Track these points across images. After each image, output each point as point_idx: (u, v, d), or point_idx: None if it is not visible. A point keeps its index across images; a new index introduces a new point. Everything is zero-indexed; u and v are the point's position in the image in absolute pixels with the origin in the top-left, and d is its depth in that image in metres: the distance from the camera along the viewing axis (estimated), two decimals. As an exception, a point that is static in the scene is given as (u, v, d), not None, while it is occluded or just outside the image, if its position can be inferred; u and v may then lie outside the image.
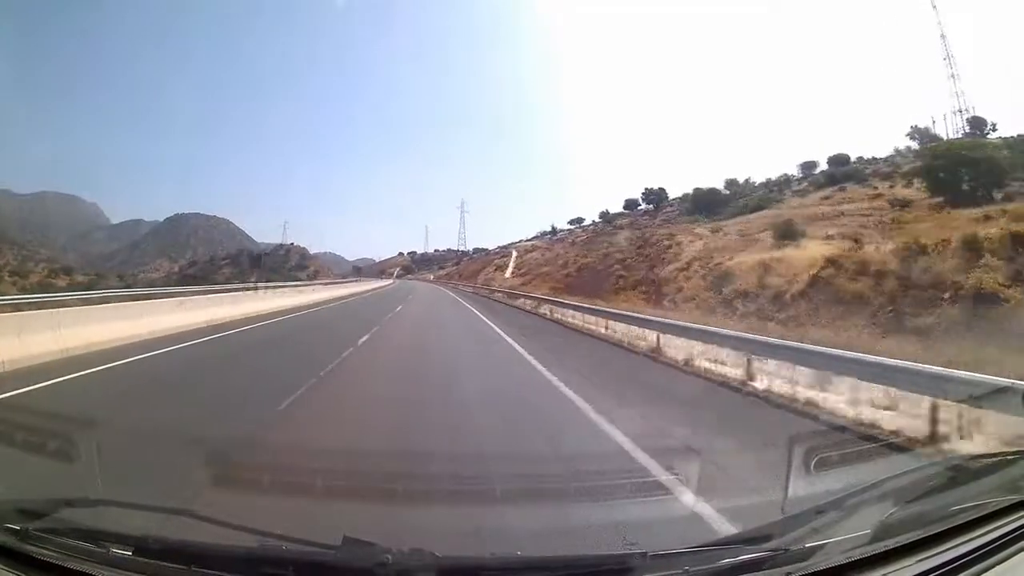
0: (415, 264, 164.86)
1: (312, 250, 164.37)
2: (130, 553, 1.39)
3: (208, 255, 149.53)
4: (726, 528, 2.83)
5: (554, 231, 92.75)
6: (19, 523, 1.46)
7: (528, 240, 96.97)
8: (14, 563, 1.41)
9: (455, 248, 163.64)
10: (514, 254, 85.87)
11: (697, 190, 60.64)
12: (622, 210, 78.95)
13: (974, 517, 1.54)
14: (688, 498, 3.24)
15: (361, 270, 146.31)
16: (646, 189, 76.26)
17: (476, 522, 2.96)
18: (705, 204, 54.55)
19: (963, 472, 1.99)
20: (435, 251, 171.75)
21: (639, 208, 76.36)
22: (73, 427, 4.13)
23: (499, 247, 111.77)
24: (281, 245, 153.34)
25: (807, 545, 1.42)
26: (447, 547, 1.49)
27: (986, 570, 1.42)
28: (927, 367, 5.37)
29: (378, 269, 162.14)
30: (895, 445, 4.64)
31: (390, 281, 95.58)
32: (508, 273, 73.61)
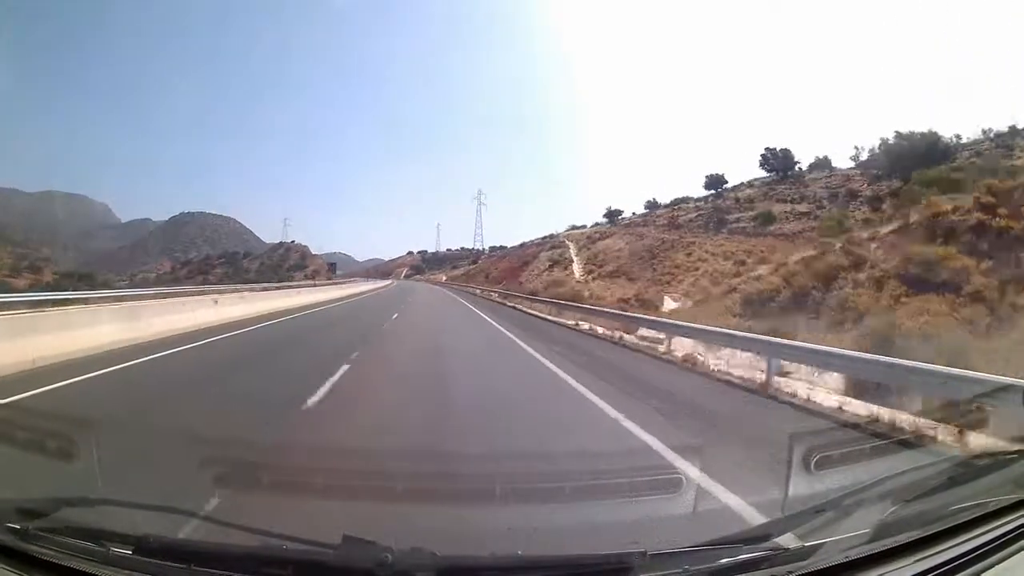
0: (426, 264, 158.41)
1: (322, 250, 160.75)
2: (130, 552, 1.39)
3: (213, 254, 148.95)
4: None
5: (612, 217, 71.40)
6: (19, 522, 1.47)
7: (562, 233, 74.74)
8: (14, 563, 1.42)
9: (468, 247, 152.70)
10: (571, 246, 61.90)
11: (900, 137, 37.76)
12: (706, 191, 58.07)
13: (974, 516, 1.54)
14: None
15: (362, 272, 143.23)
16: (766, 150, 52.88)
17: (476, 522, 2.97)
18: (918, 160, 32.16)
19: (963, 472, 1.99)
20: (447, 250, 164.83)
21: (723, 185, 55.81)
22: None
23: (543, 237, 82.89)
24: (280, 244, 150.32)
25: (807, 544, 1.43)
26: (447, 546, 1.49)
27: (986, 569, 1.42)
28: None
29: (385, 270, 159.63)
30: (895, 444, 4.64)
31: (388, 282, 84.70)
32: (579, 271, 51.50)
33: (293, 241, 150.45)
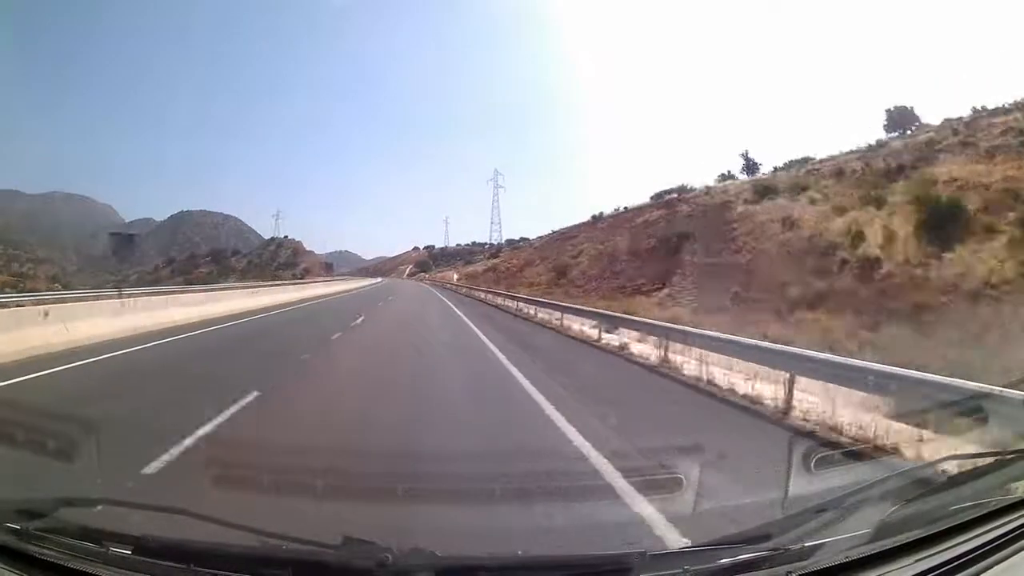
0: (433, 260, 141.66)
1: (327, 248, 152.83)
2: (129, 552, 1.39)
3: (200, 252, 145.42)
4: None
5: (753, 165, 44.27)
6: (19, 523, 1.47)
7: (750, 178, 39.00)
8: (14, 563, 1.42)
9: (480, 241, 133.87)
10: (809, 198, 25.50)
11: None
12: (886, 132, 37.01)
13: (974, 517, 1.54)
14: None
15: (368, 270, 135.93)
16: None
17: (476, 522, 2.97)
18: None
19: (963, 472, 1.98)
20: (457, 245, 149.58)
21: (915, 121, 36.66)
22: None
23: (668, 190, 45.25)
24: (272, 239, 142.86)
25: (807, 544, 1.42)
26: (447, 546, 1.49)
27: (985, 570, 1.42)
28: None
29: (388, 267, 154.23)
30: (895, 445, 4.63)
31: (374, 281, 72.37)
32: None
33: (286, 237, 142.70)
